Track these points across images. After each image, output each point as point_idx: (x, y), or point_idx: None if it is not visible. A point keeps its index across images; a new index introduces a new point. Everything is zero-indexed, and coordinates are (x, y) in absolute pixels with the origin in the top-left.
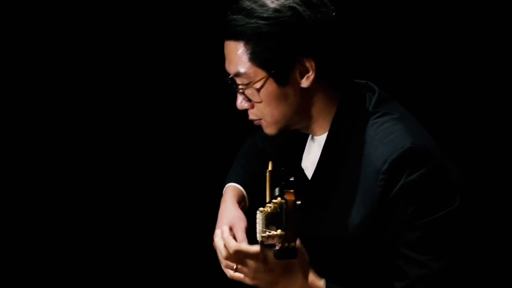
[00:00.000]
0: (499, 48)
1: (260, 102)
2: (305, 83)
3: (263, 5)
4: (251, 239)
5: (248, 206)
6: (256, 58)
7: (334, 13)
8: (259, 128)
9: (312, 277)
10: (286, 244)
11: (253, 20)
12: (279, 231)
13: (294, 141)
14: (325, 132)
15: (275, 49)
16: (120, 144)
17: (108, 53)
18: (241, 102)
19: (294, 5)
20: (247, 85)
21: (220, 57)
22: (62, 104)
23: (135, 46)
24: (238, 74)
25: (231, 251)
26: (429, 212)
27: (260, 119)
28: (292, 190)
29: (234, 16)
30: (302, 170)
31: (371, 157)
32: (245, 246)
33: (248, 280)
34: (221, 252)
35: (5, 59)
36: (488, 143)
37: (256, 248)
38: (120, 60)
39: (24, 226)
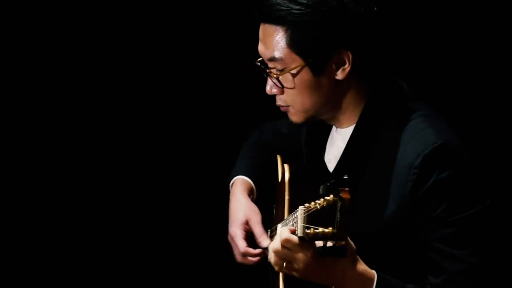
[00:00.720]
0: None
1: (292, 89)
2: (340, 75)
3: None
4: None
5: (255, 199)
6: (295, 45)
7: (375, 8)
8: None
9: (362, 266)
10: (334, 242)
11: (297, 7)
12: (330, 229)
13: (316, 134)
14: (351, 125)
15: (316, 38)
16: (120, 141)
17: (108, 53)
18: (271, 87)
19: None
20: (282, 71)
21: (219, 55)
22: (62, 104)
23: (135, 46)
24: (273, 59)
25: (282, 240)
26: (462, 209)
27: (288, 106)
28: (347, 189)
29: (278, 0)
30: (325, 164)
31: (402, 152)
32: (295, 237)
33: (298, 274)
34: (272, 244)
35: (5, 59)
36: (489, 143)
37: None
38: (120, 60)
39: (24, 226)
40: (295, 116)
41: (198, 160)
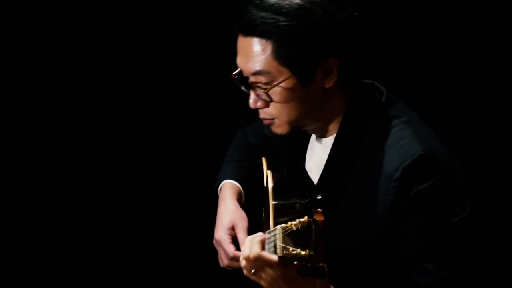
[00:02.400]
0: (501, 49)
1: (278, 102)
2: (327, 83)
3: (291, 2)
4: None
5: (244, 203)
6: (282, 58)
7: (355, 13)
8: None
9: None
10: (312, 263)
11: (283, 19)
12: (306, 251)
13: (295, 141)
14: (332, 134)
15: (304, 49)
16: (117, 144)
17: (108, 53)
18: (254, 101)
19: (324, 4)
20: (268, 84)
21: (211, 57)
22: (62, 104)
23: (135, 46)
24: (258, 73)
25: (251, 256)
26: (440, 220)
27: (273, 118)
28: (320, 210)
29: (261, 13)
30: (306, 172)
31: (382, 163)
32: (267, 255)
33: (264, 284)
34: (244, 251)
35: (5, 59)
36: (489, 143)
37: (275, 258)
38: (120, 60)
39: (24, 226)
40: (280, 128)
41: (191, 161)
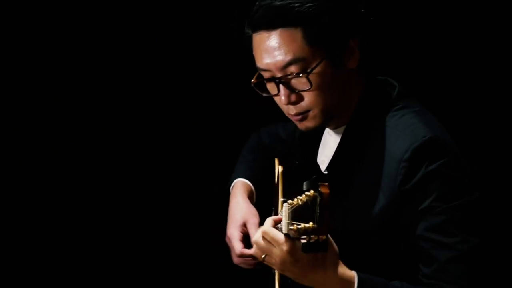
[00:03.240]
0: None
1: (315, 88)
2: (352, 63)
3: None
4: None
5: (255, 202)
6: (314, 39)
7: None
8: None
9: (342, 269)
10: (316, 238)
11: (308, 0)
12: (310, 224)
13: (309, 136)
14: (343, 125)
15: (332, 27)
16: (120, 142)
17: (108, 53)
18: (287, 96)
19: None
20: (303, 72)
21: (220, 57)
22: (62, 104)
23: (135, 46)
24: (292, 62)
25: (261, 232)
26: (451, 199)
27: (308, 111)
28: (326, 184)
29: (284, 2)
30: (318, 165)
31: (392, 147)
32: (273, 231)
33: (276, 268)
34: (255, 237)
35: (5, 59)
36: (489, 142)
37: (282, 236)
38: (120, 60)
39: (24, 226)
40: (313, 120)
41: (199, 163)
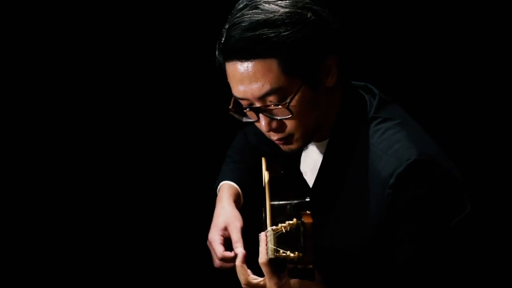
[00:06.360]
0: (499, 49)
1: (296, 114)
2: (330, 81)
3: (275, 12)
4: (247, 239)
5: (243, 204)
6: (290, 68)
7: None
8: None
9: None
10: (302, 266)
11: (282, 30)
12: (296, 254)
13: None
14: (326, 138)
15: (306, 52)
16: (116, 142)
17: (108, 53)
18: (268, 124)
19: (308, 5)
20: (282, 100)
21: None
22: (62, 104)
23: (135, 46)
24: (269, 93)
25: (242, 285)
26: (439, 223)
27: (289, 135)
28: (309, 212)
29: (256, 33)
30: (301, 174)
31: (376, 169)
32: (253, 280)
33: None
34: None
35: (5, 59)
36: (487, 144)
37: (262, 280)
38: (119, 60)
39: (24, 226)
40: (297, 143)
41: (191, 161)
